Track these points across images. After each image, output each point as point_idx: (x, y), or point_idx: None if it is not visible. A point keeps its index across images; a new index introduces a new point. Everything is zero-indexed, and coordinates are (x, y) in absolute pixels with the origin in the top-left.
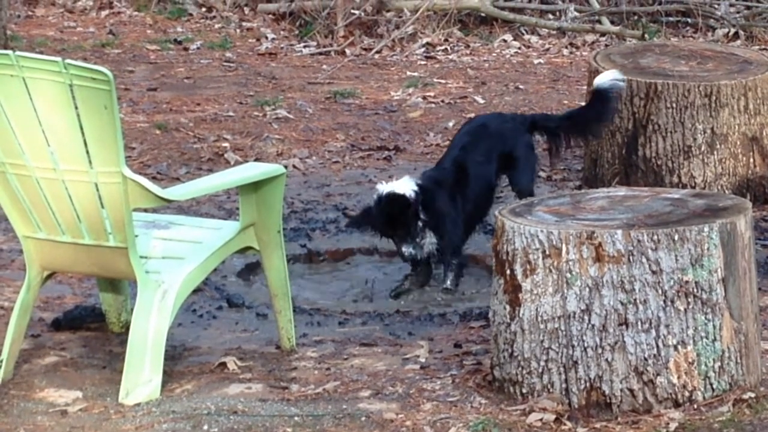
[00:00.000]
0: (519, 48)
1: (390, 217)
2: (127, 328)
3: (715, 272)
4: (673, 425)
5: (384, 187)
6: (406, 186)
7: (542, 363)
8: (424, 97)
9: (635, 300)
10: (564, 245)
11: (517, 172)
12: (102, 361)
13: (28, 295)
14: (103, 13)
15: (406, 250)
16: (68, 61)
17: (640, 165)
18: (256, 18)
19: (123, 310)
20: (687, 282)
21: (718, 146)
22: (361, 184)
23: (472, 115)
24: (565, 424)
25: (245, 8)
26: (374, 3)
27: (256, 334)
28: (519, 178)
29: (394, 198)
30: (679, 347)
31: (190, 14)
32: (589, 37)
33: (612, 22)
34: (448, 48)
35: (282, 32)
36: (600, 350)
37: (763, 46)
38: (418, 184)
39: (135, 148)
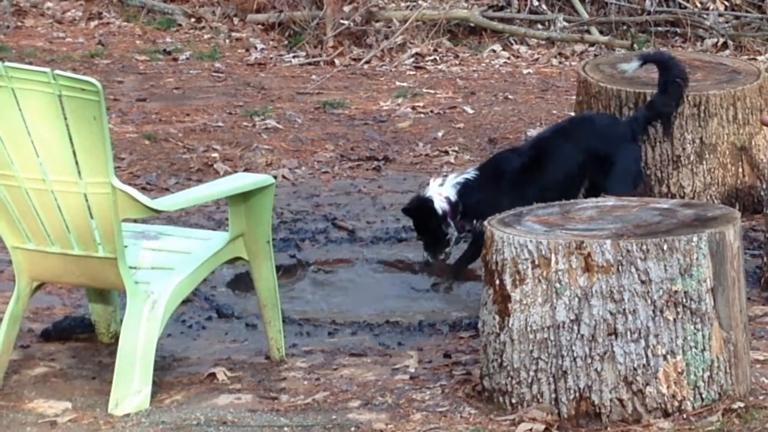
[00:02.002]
0: (508, 58)
1: (417, 221)
2: (117, 339)
3: (704, 282)
4: None
5: (430, 187)
6: (444, 190)
7: (532, 373)
8: (414, 108)
9: (624, 310)
10: (553, 255)
11: (609, 179)
12: (91, 372)
13: (17, 306)
14: (92, 23)
15: (427, 255)
16: (57, 71)
17: None
18: (245, 28)
19: (112, 321)
20: (676, 292)
21: (707, 156)
22: (350, 194)
23: (462, 125)
24: None
25: (234, 18)
26: (363, 13)
27: (245, 344)
28: (611, 185)
29: (422, 204)
30: (669, 357)
31: (179, 25)
32: (578, 47)
33: (601, 32)
34: (438, 58)
35: (271, 42)
36: (589, 360)
37: (751, 56)
38: (461, 184)
39: (124, 159)
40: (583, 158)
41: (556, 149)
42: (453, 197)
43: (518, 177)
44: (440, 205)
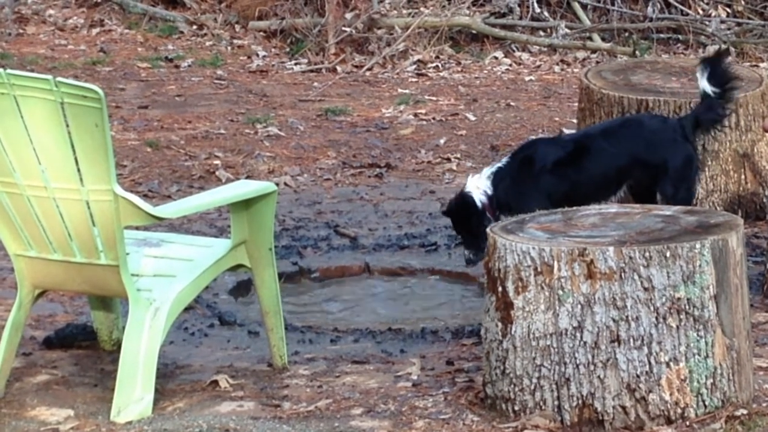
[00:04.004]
0: (510, 65)
1: (455, 217)
2: (119, 346)
3: (707, 289)
4: None
5: (467, 183)
6: (480, 183)
7: (534, 380)
8: (416, 115)
9: (627, 317)
10: (556, 262)
11: (667, 184)
12: (93, 380)
13: (19, 314)
14: (94, 30)
15: (467, 254)
16: (59, 78)
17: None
18: (247, 35)
19: (114, 328)
20: (679, 299)
21: (710, 163)
22: (352, 201)
23: (464, 132)
24: None
25: (236, 26)
26: (365, 20)
27: (247, 351)
28: (670, 191)
29: (463, 200)
30: (672, 364)
31: (181, 32)
32: (580, 54)
33: (603, 39)
34: (440, 65)
35: (273, 50)
36: (592, 367)
37: (753, 63)
38: (494, 173)
39: (126, 166)
40: (623, 162)
41: (597, 149)
42: (489, 190)
43: (552, 169)
44: (479, 198)
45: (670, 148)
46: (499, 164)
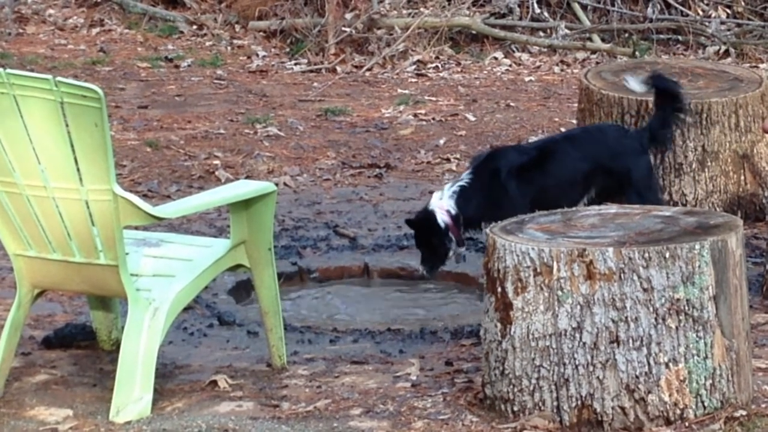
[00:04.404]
0: (510, 65)
1: (419, 234)
2: (118, 346)
3: (706, 290)
4: None
5: (431, 201)
6: (443, 203)
7: (533, 381)
8: (415, 115)
9: (626, 318)
10: (555, 263)
11: (633, 195)
12: (93, 379)
13: (18, 313)
14: (94, 30)
15: (422, 269)
16: (59, 78)
17: None
18: (247, 35)
19: (113, 328)
20: (678, 300)
21: (709, 164)
22: (351, 201)
23: (463, 133)
24: None
25: (236, 26)
26: (365, 20)
27: (247, 351)
28: (637, 201)
29: (425, 217)
30: (671, 365)
31: (181, 32)
32: (580, 55)
33: (603, 40)
34: (439, 65)
35: (273, 50)
36: (591, 368)
37: (753, 64)
38: (457, 193)
39: (126, 166)
40: (587, 167)
41: (562, 154)
42: (453, 209)
43: (517, 175)
44: (442, 218)
45: (632, 157)
46: (462, 182)
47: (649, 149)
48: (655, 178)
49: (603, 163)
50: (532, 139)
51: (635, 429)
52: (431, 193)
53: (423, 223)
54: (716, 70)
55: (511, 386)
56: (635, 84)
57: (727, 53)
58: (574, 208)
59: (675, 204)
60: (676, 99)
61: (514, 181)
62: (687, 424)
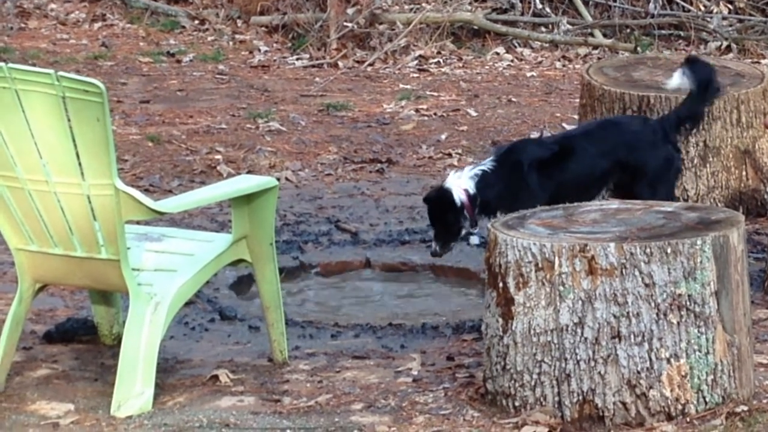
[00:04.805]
0: (511, 61)
1: (434, 210)
2: (119, 341)
3: (707, 285)
4: None
5: (448, 179)
6: (462, 182)
7: (535, 376)
8: (417, 110)
9: (628, 313)
10: (557, 258)
11: (644, 187)
12: (94, 374)
13: (20, 308)
14: (96, 25)
15: (434, 246)
16: (61, 73)
17: None
18: (248, 30)
19: (115, 323)
20: (680, 295)
21: (711, 159)
22: (353, 196)
23: (465, 128)
24: None
25: (238, 21)
26: (367, 16)
27: (248, 346)
28: (648, 193)
29: (442, 194)
30: (672, 360)
31: (183, 27)
32: (582, 50)
33: (604, 35)
34: (441, 61)
35: (275, 45)
36: (593, 363)
37: (755, 60)
38: (479, 175)
39: (127, 161)
40: (606, 164)
41: (580, 150)
42: (471, 189)
43: (538, 169)
44: (459, 196)
45: (648, 149)
46: (483, 167)
47: (676, 137)
48: (675, 171)
49: (620, 158)
50: (534, 134)
51: (636, 424)
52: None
53: (439, 199)
54: (718, 65)
55: (513, 381)
56: (676, 80)
57: (728, 49)
58: (575, 203)
59: (676, 199)
60: (710, 83)
61: (535, 174)
62: (688, 419)
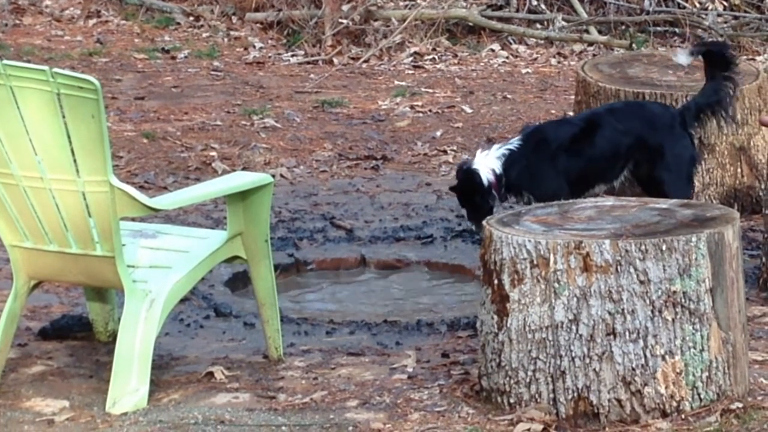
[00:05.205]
0: (507, 57)
1: (463, 191)
2: (114, 338)
3: (702, 282)
4: None
5: (475, 159)
6: (488, 162)
7: (530, 373)
8: (412, 107)
9: (623, 310)
10: (552, 255)
11: (663, 170)
12: (89, 371)
13: (15, 304)
14: (91, 21)
15: (472, 224)
16: (55, 69)
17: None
18: (243, 27)
19: (110, 320)
20: (675, 292)
21: (706, 156)
22: (348, 193)
23: (460, 124)
24: None
25: (233, 17)
26: (362, 12)
27: (243, 343)
28: (666, 176)
29: (469, 176)
30: (667, 357)
31: (178, 23)
32: (577, 47)
33: (600, 32)
34: (436, 57)
35: (270, 41)
36: (588, 360)
37: (750, 56)
38: (506, 155)
39: (122, 157)
40: (630, 141)
41: (606, 125)
42: (498, 169)
43: (566, 147)
44: (486, 176)
45: (668, 133)
46: (510, 146)
47: (694, 128)
48: (692, 160)
49: (642, 136)
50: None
51: (631, 421)
52: (428, 184)
53: (467, 182)
54: None
55: (508, 378)
56: (683, 57)
57: None
58: (571, 200)
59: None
60: (727, 63)
61: (563, 153)
62: (683, 416)
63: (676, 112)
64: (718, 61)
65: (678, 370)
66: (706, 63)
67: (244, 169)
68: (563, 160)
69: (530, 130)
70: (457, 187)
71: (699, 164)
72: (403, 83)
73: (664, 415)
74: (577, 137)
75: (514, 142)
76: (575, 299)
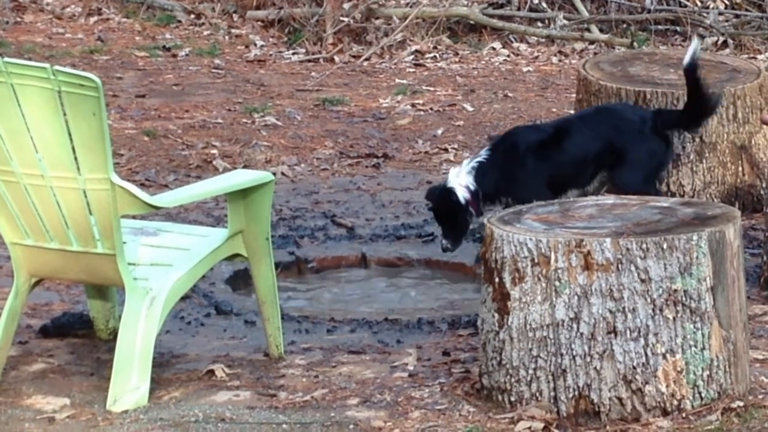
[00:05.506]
0: (508, 56)
1: (439, 211)
2: (115, 335)
3: (703, 281)
4: None
5: (451, 178)
6: (462, 180)
7: (531, 371)
8: (413, 105)
9: (624, 308)
10: (553, 253)
11: (622, 173)
12: (90, 368)
13: (15, 302)
14: (92, 19)
15: (444, 243)
16: (57, 67)
17: None
18: (244, 25)
19: (111, 317)
20: (676, 290)
21: (707, 155)
22: (349, 191)
23: (461, 123)
24: None
25: (234, 15)
26: (363, 10)
27: (244, 341)
28: (624, 179)
29: (445, 196)
30: (668, 356)
31: (179, 21)
32: (578, 45)
33: (601, 30)
34: (437, 55)
35: (271, 39)
36: (588, 358)
37: (751, 55)
38: (476, 167)
39: (123, 155)
40: (600, 146)
41: (576, 132)
42: (472, 185)
43: (534, 152)
44: (462, 195)
45: (634, 137)
46: (479, 158)
47: (669, 132)
48: (658, 164)
49: (611, 140)
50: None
51: (632, 420)
52: (429, 183)
53: (444, 201)
54: (714, 61)
55: (509, 376)
56: (690, 53)
57: (725, 44)
58: (572, 199)
59: (673, 195)
60: (704, 97)
61: (531, 157)
62: (684, 415)
63: (648, 115)
64: (696, 91)
65: (679, 369)
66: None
67: (245, 167)
68: (532, 164)
69: (499, 139)
70: (433, 208)
71: (666, 166)
72: (404, 81)
73: (665, 413)
74: (545, 143)
75: (483, 153)
76: (576, 297)
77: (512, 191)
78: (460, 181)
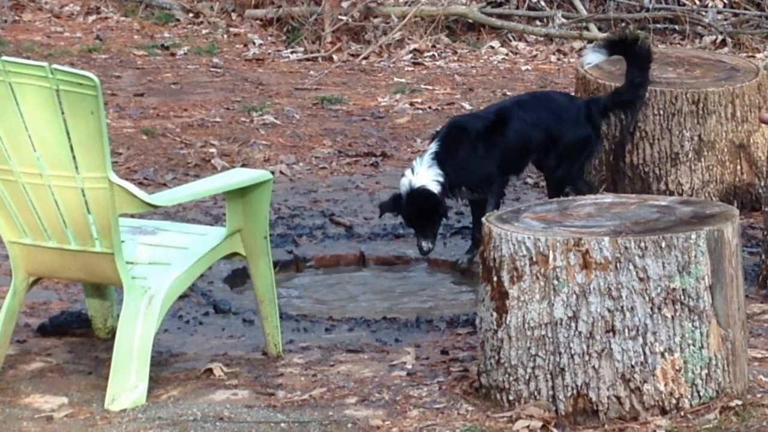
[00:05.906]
0: (506, 54)
1: (416, 213)
2: (113, 334)
3: (702, 279)
4: None
5: (413, 178)
6: (428, 174)
7: (529, 370)
8: (412, 104)
9: (622, 307)
10: (551, 252)
11: (551, 158)
12: (88, 367)
13: (14, 301)
14: (90, 18)
15: (425, 245)
16: (55, 66)
17: (628, 172)
18: (243, 24)
19: (109, 316)
20: (674, 289)
21: (706, 153)
22: (347, 190)
23: None
24: (551, 431)
25: (232, 14)
26: (362, 9)
27: (242, 340)
28: (551, 164)
29: (422, 194)
30: (666, 354)
31: (178, 20)
32: (577, 44)
33: (599, 29)
34: (436, 54)
35: (269, 38)
36: (587, 357)
37: (750, 54)
38: (433, 158)
39: (122, 154)
40: (537, 131)
41: (516, 119)
42: (440, 177)
43: (483, 138)
44: (437, 189)
45: (568, 124)
46: (434, 150)
47: (599, 119)
48: (587, 152)
49: (550, 127)
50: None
51: (630, 418)
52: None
53: (419, 201)
54: (713, 59)
55: (507, 375)
56: (592, 56)
57: (723, 43)
58: (570, 197)
59: (671, 194)
60: (638, 52)
61: (482, 143)
62: (682, 413)
63: (582, 103)
64: (635, 54)
65: (677, 368)
66: (626, 58)
67: (243, 165)
68: (483, 149)
69: (444, 130)
70: (406, 213)
71: (595, 155)
72: (403, 80)
73: (664, 412)
74: (489, 130)
75: (433, 146)
76: (574, 296)
77: (471, 178)
78: (428, 176)
